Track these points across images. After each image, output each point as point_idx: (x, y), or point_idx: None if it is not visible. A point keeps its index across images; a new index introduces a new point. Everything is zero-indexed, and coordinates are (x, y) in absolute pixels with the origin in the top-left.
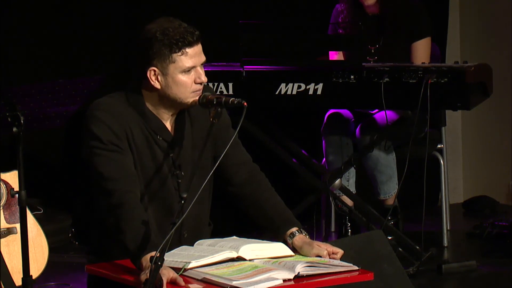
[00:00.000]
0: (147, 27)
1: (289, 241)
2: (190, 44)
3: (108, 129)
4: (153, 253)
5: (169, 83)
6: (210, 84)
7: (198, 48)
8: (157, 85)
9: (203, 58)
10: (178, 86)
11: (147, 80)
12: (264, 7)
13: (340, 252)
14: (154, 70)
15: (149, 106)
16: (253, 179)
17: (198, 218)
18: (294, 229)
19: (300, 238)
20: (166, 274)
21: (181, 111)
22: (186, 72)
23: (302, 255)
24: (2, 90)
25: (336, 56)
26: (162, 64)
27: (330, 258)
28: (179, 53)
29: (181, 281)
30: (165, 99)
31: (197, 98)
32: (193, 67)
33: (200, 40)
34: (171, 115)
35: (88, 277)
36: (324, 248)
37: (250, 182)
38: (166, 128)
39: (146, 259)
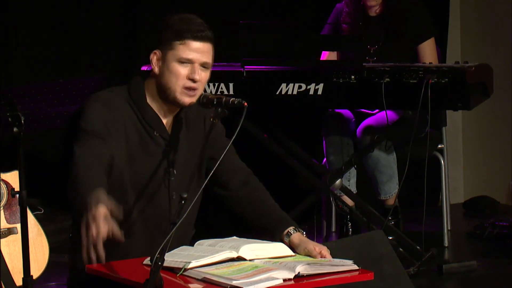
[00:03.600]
0: (169, 15)
1: (286, 240)
2: (194, 38)
3: (97, 118)
4: (98, 189)
5: (164, 69)
6: (211, 84)
7: (202, 46)
8: (156, 70)
9: (205, 59)
10: (170, 75)
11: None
12: (264, 7)
13: (324, 248)
14: (157, 54)
15: (149, 101)
16: (249, 182)
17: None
18: (290, 228)
19: (297, 236)
20: (98, 212)
21: (179, 112)
22: (181, 63)
23: (302, 255)
24: (2, 90)
25: (326, 55)
26: (163, 49)
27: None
28: (179, 42)
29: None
30: (160, 88)
31: (187, 98)
32: (189, 60)
33: (209, 42)
34: (168, 113)
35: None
36: (315, 249)
37: (246, 185)
38: (163, 125)
39: (91, 195)
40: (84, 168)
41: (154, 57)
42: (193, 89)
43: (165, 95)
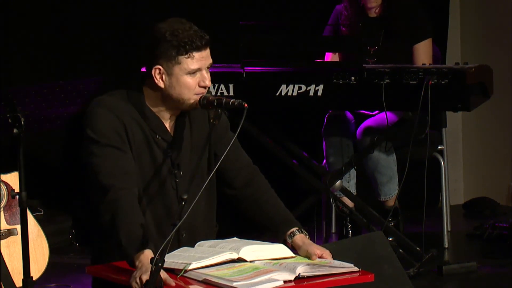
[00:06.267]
0: (157, 26)
1: (289, 241)
2: (198, 48)
3: (107, 126)
4: (147, 251)
5: (173, 83)
6: (211, 85)
7: (205, 52)
8: (161, 84)
9: (209, 61)
10: (182, 87)
11: (151, 78)
12: (264, 8)
13: (326, 251)
14: (159, 69)
15: (149, 105)
16: (253, 181)
17: (197, 219)
18: (294, 229)
19: (300, 237)
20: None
21: (182, 113)
22: (191, 74)
23: (302, 256)
24: (2, 91)
25: (331, 57)
26: (167, 64)
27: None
28: (186, 56)
29: (171, 282)
30: (168, 99)
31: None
32: (199, 69)
33: (209, 44)
34: (172, 116)
35: (93, 279)
36: (316, 252)
37: (250, 184)
38: (166, 128)
39: (140, 257)
40: (121, 198)
41: (156, 73)
42: (204, 92)
43: (175, 104)
